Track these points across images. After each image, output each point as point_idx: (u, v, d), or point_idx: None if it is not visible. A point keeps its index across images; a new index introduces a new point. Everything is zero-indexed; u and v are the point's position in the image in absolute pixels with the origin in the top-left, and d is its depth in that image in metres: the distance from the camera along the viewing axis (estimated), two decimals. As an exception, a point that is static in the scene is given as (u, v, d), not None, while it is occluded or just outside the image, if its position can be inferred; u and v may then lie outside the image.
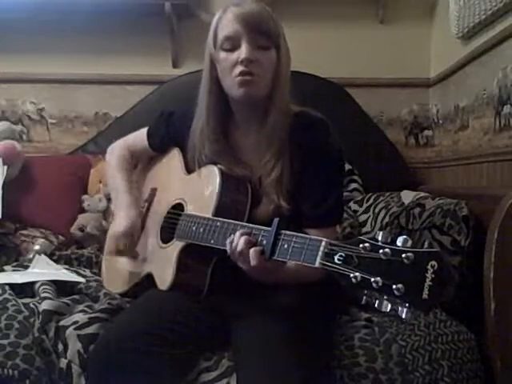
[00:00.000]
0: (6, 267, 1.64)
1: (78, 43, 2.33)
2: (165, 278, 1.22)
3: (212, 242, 1.12)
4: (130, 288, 1.35)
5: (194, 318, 1.17)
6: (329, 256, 0.87)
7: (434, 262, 0.76)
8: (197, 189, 1.26)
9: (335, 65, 2.31)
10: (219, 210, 1.17)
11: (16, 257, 1.82)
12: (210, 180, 1.22)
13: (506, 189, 1.40)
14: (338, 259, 0.85)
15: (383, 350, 1.21)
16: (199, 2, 2.33)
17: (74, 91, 2.38)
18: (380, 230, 1.77)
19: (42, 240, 1.87)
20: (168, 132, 1.40)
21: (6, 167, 1.93)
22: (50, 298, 1.34)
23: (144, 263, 1.32)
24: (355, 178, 2.17)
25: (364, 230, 1.88)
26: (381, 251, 0.80)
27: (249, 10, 1.17)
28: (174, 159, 1.40)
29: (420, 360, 1.23)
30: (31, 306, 1.31)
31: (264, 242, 1.00)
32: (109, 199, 2.07)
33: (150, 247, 1.33)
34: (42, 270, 1.61)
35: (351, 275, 0.82)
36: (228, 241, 1.06)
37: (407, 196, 1.86)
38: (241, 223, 1.08)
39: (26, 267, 1.64)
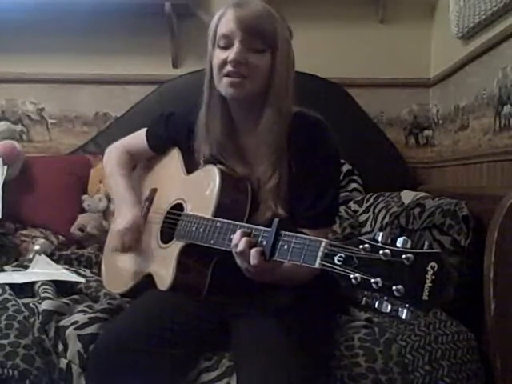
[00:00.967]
0: (6, 267, 1.64)
1: (78, 43, 2.33)
2: (165, 278, 1.22)
3: (212, 242, 1.12)
4: (130, 288, 1.35)
5: (194, 318, 1.17)
6: (329, 257, 0.87)
7: (434, 263, 0.76)
8: (196, 189, 1.26)
9: (335, 65, 2.31)
10: (219, 210, 1.17)
11: (16, 257, 1.82)
12: (209, 180, 1.22)
13: (506, 189, 1.40)
14: (338, 260, 0.85)
15: (383, 351, 1.21)
16: (199, 2, 2.33)
17: (74, 91, 2.38)
18: (380, 230, 1.77)
19: (42, 240, 1.87)
20: (168, 132, 1.40)
21: (5, 167, 1.93)
22: (50, 298, 1.34)
23: (144, 263, 1.32)
24: (355, 178, 2.17)
25: (364, 230, 1.88)
26: (381, 252, 0.80)
27: (248, 12, 1.16)
28: (173, 159, 1.40)
29: (420, 360, 1.23)
30: (31, 305, 1.31)
31: (264, 242, 1.00)
32: (109, 199, 2.07)
33: (150, 247, 1.33)
34: (42, 270, 1.61)
35: (351, 276, 0.82)
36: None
37: (407, 196, 1.86)
38: (241, 223, 1.08)
39: (26, 267, 1.64)
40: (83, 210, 2.07)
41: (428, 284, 0.76)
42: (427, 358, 1.23)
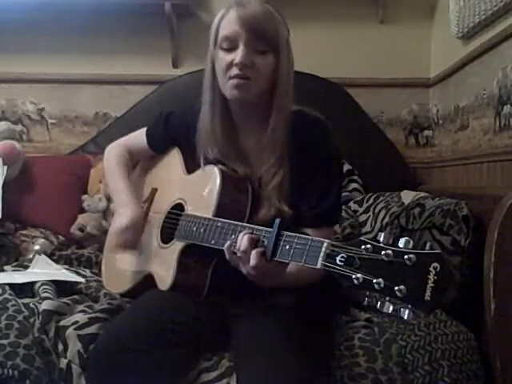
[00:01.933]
0: (6, 267, 1.64)
1: (78, 43, 2.33)
2: (165, 278, 1.22)
3: (212, 242, 1.12)
4: (130, 288, 1.35)
5: (194, 318, 1.17)
6: (331, 257, 0.87)
7: (436, 264, 0.76)
8: (197, 189, 1.26)
9: (335, 65, 2.31)
10: (219, 211, 1.17)
11: (16, 257, 1.82)
12: (210, 180, 1.22)
13: (505, 189, 1.40)
14: (340, 260, 0.85)
15: (383, 351, 1.21)
16: (199, 2, 2.33)
17: (74, 91, 2.38)
18: (380, 229, 1.77)
19: (42, 240, 1.87)
20: (167, 132, 1.40)
21: (5, 167, 1.93)
22: (50, 298, 1.34)
23: (144, 263, 1.32)
24: (355, 178, 2.17)
25: (364, 230, 1.88)
26: (383, 253, 0.80)
27: (251, 12, 1.16)
28: (173, 159, 1.40)
29: (420, 360, 1.23)
30: (31, 306, 1.31)
31: (265, 242, 1.00)
32: (109, 199, 2.07)
33: (151, 247, 1.33)
34: (42, 270, 1.61)
35: (353, 276, 0.82)
36: (226, 245, 1.06)
37: (407, 196, 1.86)
38: (241, 224, 1.08)
39: (26, 267, 1.64)
40: (83, 210, 2.07)
41: (430, 285, 0.76)
42: (427, 358, 1.23)
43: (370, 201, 1.97)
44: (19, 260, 1.77)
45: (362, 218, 1.93)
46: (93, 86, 2.38)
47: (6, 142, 2.07)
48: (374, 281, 0.80)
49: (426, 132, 2.40)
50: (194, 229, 1.17)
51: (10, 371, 1.13)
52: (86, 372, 1.14)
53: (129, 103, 2.32)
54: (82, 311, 1.30)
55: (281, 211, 1.18)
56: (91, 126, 2.39)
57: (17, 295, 1.37)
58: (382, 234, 0.83)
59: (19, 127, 2.38)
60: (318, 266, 0.89)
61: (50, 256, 1.77)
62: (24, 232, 1.94)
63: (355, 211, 1.98)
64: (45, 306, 1.29)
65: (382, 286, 0.79)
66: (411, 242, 0.80)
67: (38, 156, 2.24)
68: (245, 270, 1.04)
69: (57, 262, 1.74)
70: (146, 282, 1.29)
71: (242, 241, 1.01)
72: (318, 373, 1.11)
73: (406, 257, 0.78)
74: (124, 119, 2.31)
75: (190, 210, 1.26)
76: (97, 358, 1.10)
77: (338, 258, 0.86)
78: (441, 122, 2.28)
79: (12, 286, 1.41)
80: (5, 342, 1.17)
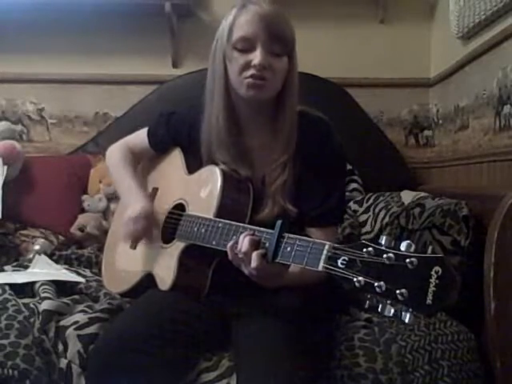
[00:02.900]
0: (6, 267, 1.64)
1: (78, 43, 2.33)
2: (165, 278, 1.22)
3: (213, 243, 1.12)
4: (131, 288, 1.35)
5: (195, 319, 1.17)
6: (332, 260, 0.87)
7: (437, 268, 0.76)
8: (198, 189, 1.26)
9: (335, 65, 2.31)
10: (221, 211, 1.17)
11: (16, 257, 1.82)
12: (211, 181, 1.22)
13: (505, 189, 1.39)
14: (342, 263, 0.85)
15: (383, 350, 1.21)
16: (199, 2, 2.33)
17: (74, 91, 2.38)
18: (380, 229, 1.77)
19: (42, 240, 1.87)
20: (169, 132, 1.40)
21: (5, 167, 1.93)
22: (50, 298, 1.34)
23: (145, 263, 1.32)
24: (355, 178, 2.17)
25: (364, 230, 1.88)
26: (384, 256, 0.80)
27: (269, 15, 1.15)
28: (175, 159, 1.40)
29: (420, 360, 1.23)
30: (31, 305, 1.31)
31: (267, 244, 1.00)
32: (109, 199, 2.07)
33: (151, 247, 1.33)
34: (42, 270, 1.61)
35: (355, 279, 0.82)
36: (229, 244, 1.06)
37: (407, 196, 1.86)
38: (243, 225, 1.08)
39: (26, 267, 1.64)
40: (83, 210, 2.07)
41: (432, 288, 0.76)
42: (427, 358, 1.23)
43: (370, 201, 1.97)
44: (19, 260, 1.77)
45: (362, 217, 1.93)
46: (93, 85, 2.37)
47: (6, 142, 2.07)
48: (376, 284, 0.80)
49: (426, 132, 2.40)
50: (195, 229, 1.17)
51: (10, 371, 1.13)
52: (86, 372, 1.15)
53: (129, 103, 2.32)
54: (82, 311, 1.30)
55: (285, 210, 1.18)
56: (91, 125, 2.38)
57: (17, 295, 1.37)
58: (384, 237, 0.82)
59: (19, 127, 2.38)
60: (320, 268, 0.89)
61: (50, 256, 1.77)
62: (24, 232, 1.94)
63: (355, 211, 1.98)
64: (45, 306, 1.29)
65: (384, 289, 0.79)
66: (413, 245, 0.80)
67: (38, 156, 2.24)
68: (246, 271, 1.04)
69: (57, 262, 1.74)
70: (147, 281, 1.29)
71: (243, 242, 1.01)
72: (318, 373, 1.11)
73: (407, 260, 0.78)
74: (124, 119, 2.31)
75: (191, 210, 1.26)
76: (97, 358, 1.10)
77: (339, 261, 0.86)
78: (441, 122, 2.28)
79: (12, 285, 1.42)
80: (5, 342, 1.17)
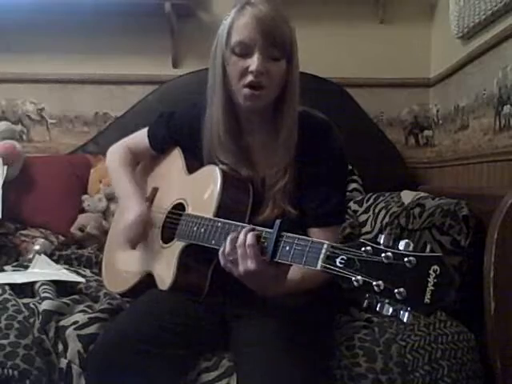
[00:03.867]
0: (6, 267, 1.64)
1: (78, 43, 2.33)
2: (165, 278, 1.22)
3: (213, 242, 1.12)
4: (130, 288, 1.35)
5: (194, 319, 1.17)
6: (330, 259, 0.87)
7: (436, 267, 0.76)
8: (198, 189, 1.26)
9: (335, 65, 2.31)
10: (220, 211, 1.17)
11: (16, 257, 1.82)
12: (211, 180, 1.22)
13: (505, 189, 1.39)
14: (340, 262, 0.85)
15: (383, 351, 1.21)
16: (199, 2, 2.33)
17: (74, 91, 2.38)
18: (380, 229, 1.77)
19: (42, 240, 1.87)
20: (169, 132, 1.40)
21: (5, 167, 1.93)
22: (50, 298, 1.34)
23: (144, 263, 1.32)
24: (355, 178, 2.17)
25: (364, 230, 1.88)
26: (383, 255, 0.80)
27: (267, 16, 1.13)
28: (175, 159, 1.40)
29: (420, 360, 1.23)
30: (31, 305, 1.31)
31: (265, 243, 0.99)
32: (109, 199, 2.07)
33: (151, 247, 1.33)
34: (42, 270, 1.61)
35: (353, 278, 0.82)
36: (229, 238, 1.03)
37: (407, 196, 1.86)
38: (242, 224, 1.08)
39: (26, 267, 1.64)
40: (83, 210, 2.07)
41: (430, 287, 0.76)
42: (427, 358, 1.23)
43: (370, 201, 1.97)
44: (19, 260, 1.78)
45: (362, 217, 1.93)
46: (93, 85, 2.38)
47: (6, 142, 2.07)
48: (374, 283, 0.80)
49: (426, 132, 2.40)
50: (195, 229, 1.17)
51: (10, 371, 1.13)
52: (86, 372, 1.15)
53: (129, 103, 2.32)
54: (82, 311, 1.31)
55: (285, 212, 1.18)
56: (91, 125, 2.39)
57: (17, 295, 1.37)
58: (383, 236, 0.82)
59: (19, 127, 2.38)
60: (318, 267, 0.89)
61: (50, 256, 1.77)
62: (24, 232, 1.94)
63: (355, 211, 1.98)
64: (45, 306, 1.29)
65: (382, 288, 0.79)
66: (411, 244, 0.80)
67: (38, 156, 2.25)
68: (242, 268, 1.00)
69: (57, 262, 1.74)
70: (146, 281, 1.29)
71: (248, 235, 0.99)
72: (318, 373, 1.11)
73: (406, 259, 0.78)
74: (124, 119, 2.31)
75: (190, 209, 1.26)
76: (96, 358, 1.10)
77: (338, 260, 0.86)
78: (441, 121, 2.28)
79: (12, 285, 1.42)
80: (5, 342, 1.17)
